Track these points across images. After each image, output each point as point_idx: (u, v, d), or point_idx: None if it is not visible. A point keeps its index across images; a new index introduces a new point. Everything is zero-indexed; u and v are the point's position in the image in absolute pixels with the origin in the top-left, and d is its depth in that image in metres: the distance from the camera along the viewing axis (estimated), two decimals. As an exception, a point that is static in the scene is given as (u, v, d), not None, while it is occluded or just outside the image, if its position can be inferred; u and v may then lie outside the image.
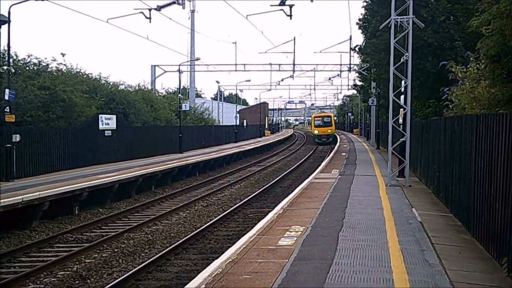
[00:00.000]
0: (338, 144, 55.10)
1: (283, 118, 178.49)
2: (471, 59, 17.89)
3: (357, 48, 46.36)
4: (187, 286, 8.59)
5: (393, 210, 14.74)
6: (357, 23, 38.41)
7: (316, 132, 73.47)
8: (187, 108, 50.16)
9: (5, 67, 23.96)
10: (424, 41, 26.66)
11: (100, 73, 42.34)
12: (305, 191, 19.39)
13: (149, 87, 54.91)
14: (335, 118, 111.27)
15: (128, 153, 35.84)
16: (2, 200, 16.87)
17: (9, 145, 23.29)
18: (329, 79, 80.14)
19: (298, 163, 43.10)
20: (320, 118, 75.13)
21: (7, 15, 23.21)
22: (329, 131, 72.71)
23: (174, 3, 43.39)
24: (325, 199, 17.06)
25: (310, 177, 24.23)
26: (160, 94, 58.43)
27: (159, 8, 40.02)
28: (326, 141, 69.85)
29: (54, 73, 33.02)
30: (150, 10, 38.55)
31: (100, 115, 33.12)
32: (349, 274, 8.70)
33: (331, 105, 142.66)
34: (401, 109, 21.31)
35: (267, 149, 64.25)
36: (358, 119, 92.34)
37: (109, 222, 19.85)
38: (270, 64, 67.34)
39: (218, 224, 18.72)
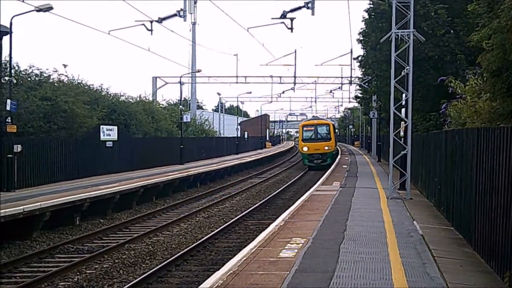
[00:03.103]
0: (339, 157, 54.78)
1: (284, 130, 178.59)
2: (470, 75, 18.00)
3: (359, 58, 46.47)
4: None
5: (394, 223, 14.75)
6: (358, 39, 38.55)
7: (305, 149, 49.35)
8: (188, 120, 50.26)
9: (6, 78, 24.01)
10: (425, 55, 26.74)
11: (101, 84, 42.43)
12: (306, 203, 19.40)
13: (150, 99, 54.98)
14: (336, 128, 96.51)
15: (129, 164, 35.87)
16: (3, 210, 16.89)
17: (11, 156, 23.33)
18: (330, 91, 79.99)
19: (299, 175, 43.10)
20: (311, 128, 50.67)
21: (9, 26, 23.32)
22: (326, 148, 48.82)
23: (175, 15, 43.46)
24: (326, 211, 17.07)
25: (311, 189, 24.23)
26: (161, 105, 58.54)
27: (160, 20, 40.10)
28: (321, 163, 47.87)
29: (56, 84, 33.06)
30: (151, 22, 38.64)
31: (101, 126, 33.19)
32: (350, 287, 8.71)
33: (332, 117, 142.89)
34: (402, 122, 21.36)
35: (268, 161, 64.26)
36: (359, 131, 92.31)
37: (110, 233, 19.85)
38: (271, 76, 67.41)
39: (219, 236, 18.72)
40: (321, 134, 49.95)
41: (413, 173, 22.07)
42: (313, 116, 64.49)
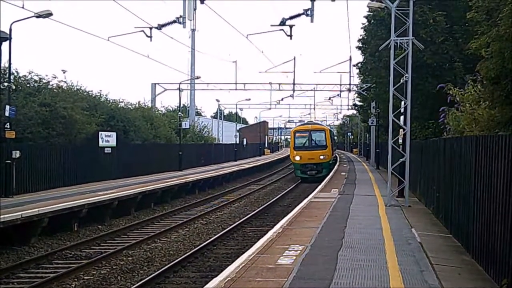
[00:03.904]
0: (337, 164, 54.60)
1: (283, 137, 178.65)
2: (468, 81, 17.99)
3: (358, 65, 46.50)
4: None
5: (392, 230, 14.73)
6: (357, 47, 38.61)
7: (297, 158, 43.23)
8: (187, 126, 50.27)
9: (6, 84, 24.00)
10: (423, 62, 26.77)
11: (100, 90, 42.07)
12: (304, 210, 19.38)
13: (149, 105, 55.00)
14: (334, 135, 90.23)
15: (128, 171, 35.84)
16: (1, 216, 16.86)
17: (9, 161, 23.33)
18: (329, 98, 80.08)
19: (298, 182, 43.04)
20: (305, 134, 44.38)
21: (8, 32, 23.34)
22: (322, 157, 42.92)
23: (175, 22, 43.52)
24: (325, 218, 17.05)
25: (310, 196, 24.21)
26: (160, 112, 58.53)
27: (160, 27, 40.19)
28: (316, 175, 41.78)
29: (55, 90, 33.04)
30: (151, 28, 38.72)
31: (100, 132, 33.19)
32: (348, 294, 8.69)
33: (331, 124, 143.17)
34: (401, 130, 21.36)
35: (267, 168, 64.24)
36: (357, 139, 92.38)
37: (108, 239, 19.83)
38: (270, 83, 67.36)
39: (217, 242, 18.71)
40: (316, 141, 43.95)
41: (412, 181, 22.04)
42: (308, 121, 59.31)
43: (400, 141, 21.42)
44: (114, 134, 34.66)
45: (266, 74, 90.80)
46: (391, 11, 20.66)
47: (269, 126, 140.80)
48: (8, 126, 23.22)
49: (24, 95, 29.53)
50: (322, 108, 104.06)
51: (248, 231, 21.26)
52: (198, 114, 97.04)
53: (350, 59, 58.37)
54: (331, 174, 39.58)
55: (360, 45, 38.18)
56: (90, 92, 39.37)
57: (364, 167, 50.16)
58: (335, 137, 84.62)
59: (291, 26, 33.43)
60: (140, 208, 26.66)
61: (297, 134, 44.79)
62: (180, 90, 49.91)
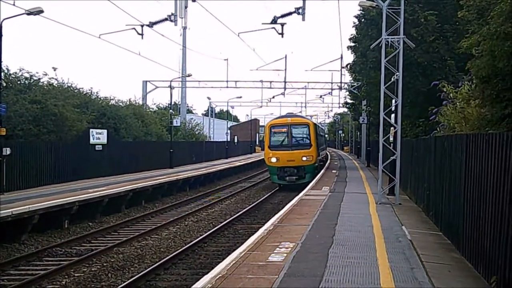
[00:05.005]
0: (328, 161, 54.42)
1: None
2: (465, 82, 18.03)
3: (348, 66, 46.57)
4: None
5: (383, 228, 14.77)
6: (348, 46, 38.64)
7: (274, 160, 34.21)
8: (178, 124, 50.20)
9: (-4, 81, 23.94)
10: (414, 60, 26.84)
11: (91, 87, 42.09)
12: (295, 207, 19.40)
13: (140, 103, 54.89)
14: (325, 132, 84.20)
15: (119, 168, 35.79)
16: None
17: (0, 158, 23.23)
18: (320, 96, 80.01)
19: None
20: (283, 129, 34.94)
21: (-1, 29, 23.24)
22: (304, 158, 34.08)
23: (166, 19, 43.50)
24: (315, 216, 17.08)
25: (301, 194, 24.21)
26: (151, 109, 58.45)
27: (151, 25, 40.16)
28: (296, 181, 33.94)
29: (46, 87, 32.98)
30: (142, 26, 38.69)
31: (91, 130, 33.13)
32: (339, 290, 8.71)
33: (322, 122, 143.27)
34: (392, 128, 21.42)
35: (258, 165, 64.18)
36: (348, 136, 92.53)
37: (99, 236, 19.81)
38: (262, 81, 67.38)
39: (208, 240, 18.72)
40: (297, 138, 34.87)
41: (402, 179, 22.13)
42: (287, 113, 48.88)
43: (391, 139, 21.48)
44: (105, 131, 34.62)
45: (258, 72, 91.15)
46: (382, 10, 20.71)
47: (260, 124, 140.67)
48: (-1, 123, 23.15)
49: (14, 92, 29.46)
50: (314, 106, 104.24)
51: (239, 228, 21.28)
52: (189, 111, 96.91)
53: (341, 57, 58.48)
54: (322, 171, 38.41)
55: (351, 44, 38.25)
56: (81, 90, 39.35)
57: (355, 165, 50.22)
58: (326, 135, 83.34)
59: (282, 25, 33.44)
60: (131, 205, 26.63)
61: (273, 130, 35.02)
62: (171, 87, 49.84)
